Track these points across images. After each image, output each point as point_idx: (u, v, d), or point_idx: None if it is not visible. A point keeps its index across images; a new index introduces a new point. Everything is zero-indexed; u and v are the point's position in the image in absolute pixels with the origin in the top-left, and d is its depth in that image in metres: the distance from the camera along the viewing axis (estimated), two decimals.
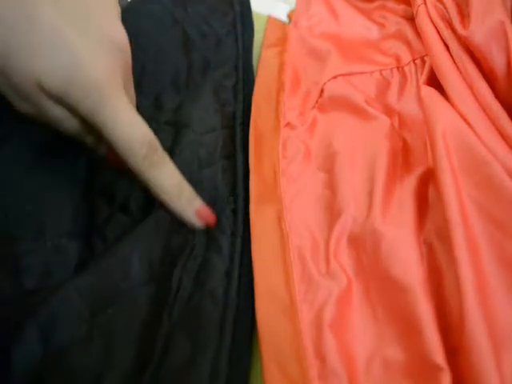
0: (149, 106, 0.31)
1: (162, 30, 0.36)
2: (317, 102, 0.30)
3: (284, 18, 0.39)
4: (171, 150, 0.27)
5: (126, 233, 0.23)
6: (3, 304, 0.19)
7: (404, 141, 0.26)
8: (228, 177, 0.27)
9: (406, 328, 0.18)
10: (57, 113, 0.21)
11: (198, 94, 0.32)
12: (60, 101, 0.20)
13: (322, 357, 0.19)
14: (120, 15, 0.23)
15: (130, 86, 0.23)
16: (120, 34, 0.22)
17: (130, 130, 0.20)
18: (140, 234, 0.22)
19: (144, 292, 0.20)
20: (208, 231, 0.24)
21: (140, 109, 0.31)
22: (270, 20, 0.38)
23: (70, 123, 0.21)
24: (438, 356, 0.17)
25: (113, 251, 0.21)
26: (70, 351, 0.18)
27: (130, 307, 0.19)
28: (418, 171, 0.23)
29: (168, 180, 0.22)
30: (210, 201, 0.25)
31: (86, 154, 0.28)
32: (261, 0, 0.40)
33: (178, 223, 0.23)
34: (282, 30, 0.37)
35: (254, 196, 0.25)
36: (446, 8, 0.26)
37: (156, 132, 0.30)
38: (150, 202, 0.24)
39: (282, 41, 0.36)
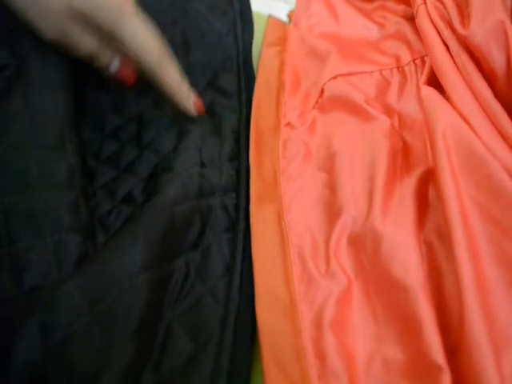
0: (149, 107, 0.31)
1: (161, 31, 0.36)
2: (317, 102, 0.30)
3: (284, 17, 0.39)
4: (174, 149, 0.27)
5: (127, 222, 0.23)
6: (3, 303, 0.19)
7: (404, 141, 0.26)
8: (231, 175, 0.27)
9: (406, 328, 0.18)
10: (79, 34, 0.25)
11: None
12: (85, 21, 0.25)
13: (322, 357, 0.19)
14: None
15: None
16: None
17: (145, 35, 0.26)
18: (141, 220, 0.22)
19: (143, 279, 0.20)
20: (211, 221, 0.24)
21: (140, 110, 0.31)
22: (271, 19, 0.38)
23: (88, 43, 0.26)
24: (438, 356, 0.16)
25: (113, 241, 0.21)
26: (69, 348, 0.18)
27: (130, 296, 0.19)
28: (418, 171, 0.23)
29: (174, 77, 0.28)
30: (211, 195, 0.25)
31: (84, 150, 0.28)
32: (261, 0, 0.40)
33: (179, 208, 0.23)
34: (282, 30, 0.37)
35: (254, 195, 0.25)
36: (446, 8, 0.26)
37: (158, 131, 0.30)
38: (152, 191, 0.24)
39: (282, 40, 0.36)
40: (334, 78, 0.30)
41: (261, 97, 0.31)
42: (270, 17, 0.38)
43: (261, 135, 0.29)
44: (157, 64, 0.26)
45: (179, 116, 0.30)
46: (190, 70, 0.34)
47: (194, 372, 0.18)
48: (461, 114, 0.21)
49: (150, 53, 0.26)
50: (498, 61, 0.22)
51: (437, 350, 0.17)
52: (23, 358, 0.17)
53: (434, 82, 0.25)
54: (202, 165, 0.26)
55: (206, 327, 0.20)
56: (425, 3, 0.27)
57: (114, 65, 0.28)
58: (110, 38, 0.26)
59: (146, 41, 0.26)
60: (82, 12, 0.24)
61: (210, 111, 0.30)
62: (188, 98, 0.29)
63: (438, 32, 0.25)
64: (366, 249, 0.21)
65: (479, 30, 0.22)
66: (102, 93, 0.31)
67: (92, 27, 0.25)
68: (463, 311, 0.16)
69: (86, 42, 0.26)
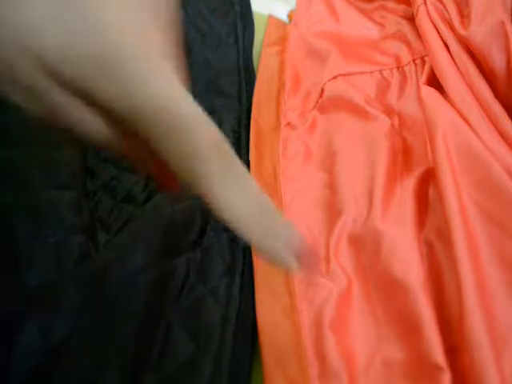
0: None
1: None
2: (317, 102, 0.30)
3: (284, 18, 0.39)
4: None
5: (128, 221, 0.23)
6: (5, 303, 0.19)
7: (404, 141, 0.26)
8: None
9: (406, 328, 0.18)
10: (74, 110, 0.13)
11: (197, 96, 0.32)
12: (73, 86, 0.13)
13: (321, 356, 0.19)
14: None
15: (173, 44, 0.15)
16: None
17: (185, 124, 0.13)
18: (141, 220, 0.22)
19: (144, 278, 0.20)
20: (211, 220, 0.24)
21: None
22: (271, 19, 0.38)
23: (94, 126, 0.14)
24: (438, 356, 0.17)
25: (114, 240, 0.21)
26: (69, 348, 0.18)
27: (130, 295, 0.19)
28: (418, 171, 0.23)
29: (244, 200, 0.14)
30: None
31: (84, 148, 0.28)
32: (261, 0, 0.40)
33: (180, 207, 0.23)
34: (282, 30, 0.37)
35: None
36: (446, 8, 0.26)
37: None
38: (153, 189, 0.24)
39: (283, 40, 0.36)
40: (334, 77, 0.30)
41: (261, 97, 0.31)
42: (270, 16, 0.38)
43: (261, 135, 0.29)
44: (207, 177, 0.14)
45: None
46: (190, 71, 0.34)
47: (194, 372, 0.18)
48: (461, 114, 0.21)
49: (195, 157, 0.13)
50: (498, 61, 0.22)
51: (437, 350, 0.17)
52: (23, 358, 0.17)
53: (434, 81, 0.25)
54: None
55: (207, 327, 0.20)
56: (425, 3, 0.27)
57: (144, 169, 0.18)
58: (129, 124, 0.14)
59: (185, 132, 0.13)
60: (61, 71, 0.13)
61: (210, 111, 0.30)
62: (273, 238, 0.14)
63: (438, 32, 0.25)
64: (366, 249, 0.21)
65: (479, 30, 0.22)
66: None
67: (89, 96, 0.13)
68: (463, 311, 0.16)
69: (86, 124, 0.14)
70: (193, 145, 0.13)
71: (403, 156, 0.25)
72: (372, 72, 0.30)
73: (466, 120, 0.21)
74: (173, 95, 0.13)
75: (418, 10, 0.27)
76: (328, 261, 0.22)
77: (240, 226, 0.14)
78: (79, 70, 0.13)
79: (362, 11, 0.35)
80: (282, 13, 0.40)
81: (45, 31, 0.12)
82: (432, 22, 0.26)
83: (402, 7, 0.33)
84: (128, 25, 0.13)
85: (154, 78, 0.13)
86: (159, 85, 0.13)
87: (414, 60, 0.29)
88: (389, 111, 0.28)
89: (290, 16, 0.39)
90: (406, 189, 0.23)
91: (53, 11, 0.12)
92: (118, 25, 0.13)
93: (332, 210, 0.24)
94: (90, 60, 0.12)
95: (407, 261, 0.19)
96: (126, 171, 0.27)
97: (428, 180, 0.23)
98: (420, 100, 0.26)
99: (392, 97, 0.28)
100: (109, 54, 0.12)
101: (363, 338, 0.19)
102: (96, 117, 0.14)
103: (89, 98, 0.13)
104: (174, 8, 0.15)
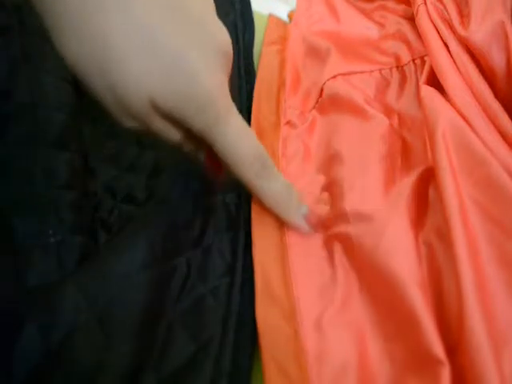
0: None
1: None
2: (317, 101, 0.30)
3: (284, 18, 0.39)
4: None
5: (129, 221, 0.23)
6: (5, 303, 0.19)
7: (403, 140, 0.26)
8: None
9: (406, 324, 0.18)
10: (162, 126, 0.20)
11: None
12: (170, 116, 0.20)
13: (321, 357, 0.19)
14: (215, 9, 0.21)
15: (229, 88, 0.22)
16: (224, 35, 0.21)
17: (241, 146, 0.21)
18: (141, 219, 0.22)
19: (144, 278, 0.20)
20: (212, 219, 0.24)
21: None
22: (271, 18, 0.38)
23: (172, 134, 0.21)
24: (438, 350, 0.17)
25: (113, 240, 0.21)
26: (69, 348, 0.18)
27: (130, 295, 0.19)
28: (418, 170, 0.23)
29: (277, 189, 0.23)
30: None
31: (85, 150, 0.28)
32: (261, 0, 0.40)
33: (182, 208, 0.23)
34: (282, 29, 0.37)
35: None
36: (445, 8, 0.26)
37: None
38: (154, 189, 0.24)
39: (283, 39, 0.36)
40: (334, 77, 0.30)
41: (261, 95, 0.31)
42: (270, 15, 0.38)
43: (261, 134, 0.29)
44: (253, 178, 0.22)
45: None
46: None
47: (194, 373, 0.18)
48: (460, 114, 0.21)
49: (246, 166, 0.21)
50: (497, 61, 0.22)
51: (436, 345, 0.17)
52: (23, 358, 0.17)
53: (434, 81, 0.25)
54: None
55: (207, 327, 0.20)
56: (425, 3, 0.27)
57: (199, 157, 0.25)
58: (198, 136, 0.21)
59: (240, 151, 0.21)
60: (167, 109, 0.19)
61: None
62: (296, 214, 0.23)
63: (438, 32, 0.25)
64: (366, 248, 0.21)
65: (479, 30, 0.22)
66: None
67: (178, 124, 0.20)
68: (463, 311, 0.16)
69: (167, 134, 0.21)
70: (242, 159, 0.21)
71: (402, 155, 0.25)
72: (371, 71, 0.30)
73: (465, 119, 0.21)
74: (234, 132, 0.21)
75: (417, 10, 0.27)
76: (329, 260, 0.22)
77: (272, 204, 0.23)
78: (178, 108, 0.19)
79: (362, 11, 0.35)
80: (282, 13, 0.40)
81: (154, 81, 0.18)
82: (432, 21, 0.26)
83: (401, 7, 0.33)
84: (213, 77, 0.19)
85: (226, 119, 0.20)
86: (228, 129, 0.20)
87: (413, 60, 0.29)
88: (388, 111, 0.28)
89: (290, 16, 0.39)
90: (406, 188, 0.23)
91: (165, 75, 0.18)
92: (208, 78, 0.19)
93: (331, 210, 0.24)
94: (187, 102, 0.19)
95: (405, 260, 0.19)
96: (126, 171, 0.27)
97: (427, 179, 0.23)
98: (419, 99, 0.26)
99: (391, 96, 0.28)
100: (202, 102, 0.19)
101: (364, 336, 0.19)
102: (176, 130, 0.21)
103: (177, 122, 0.20)
104: (231, 61, 0.21)
